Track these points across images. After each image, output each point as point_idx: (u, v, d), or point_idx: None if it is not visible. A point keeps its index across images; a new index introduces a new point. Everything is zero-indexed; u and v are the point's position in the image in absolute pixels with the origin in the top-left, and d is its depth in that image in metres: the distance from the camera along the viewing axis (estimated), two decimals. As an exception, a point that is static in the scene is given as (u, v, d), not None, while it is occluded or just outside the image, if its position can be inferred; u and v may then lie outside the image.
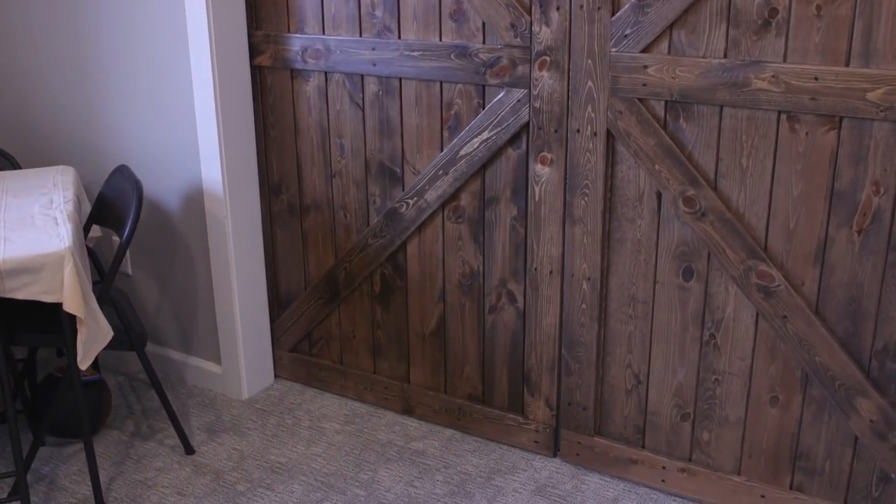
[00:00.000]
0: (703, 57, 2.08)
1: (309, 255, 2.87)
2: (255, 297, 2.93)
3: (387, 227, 2.66)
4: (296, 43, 2.63)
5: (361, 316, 2.83)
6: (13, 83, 3.13)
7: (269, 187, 2.87)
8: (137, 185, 2.44)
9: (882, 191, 1.99)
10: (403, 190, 2.61)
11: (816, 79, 1.97)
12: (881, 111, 1.92)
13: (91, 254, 2.65)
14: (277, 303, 3.00)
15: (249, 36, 2.71)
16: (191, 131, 2.75)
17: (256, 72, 2.76)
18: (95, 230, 2.76)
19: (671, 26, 2.10)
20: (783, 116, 2.05)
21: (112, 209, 2.60)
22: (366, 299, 2.81)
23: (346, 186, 2.72)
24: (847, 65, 1.95)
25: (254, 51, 2.73)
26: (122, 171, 2.61)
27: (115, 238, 2.98)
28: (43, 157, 3.16)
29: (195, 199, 2.82)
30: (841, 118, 1.99)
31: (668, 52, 2.12)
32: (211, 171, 2.73)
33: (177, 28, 2.66)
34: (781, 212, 2.11)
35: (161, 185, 2.89)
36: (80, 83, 2.96)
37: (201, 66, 2.63)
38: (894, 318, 2.05)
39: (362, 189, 2.69)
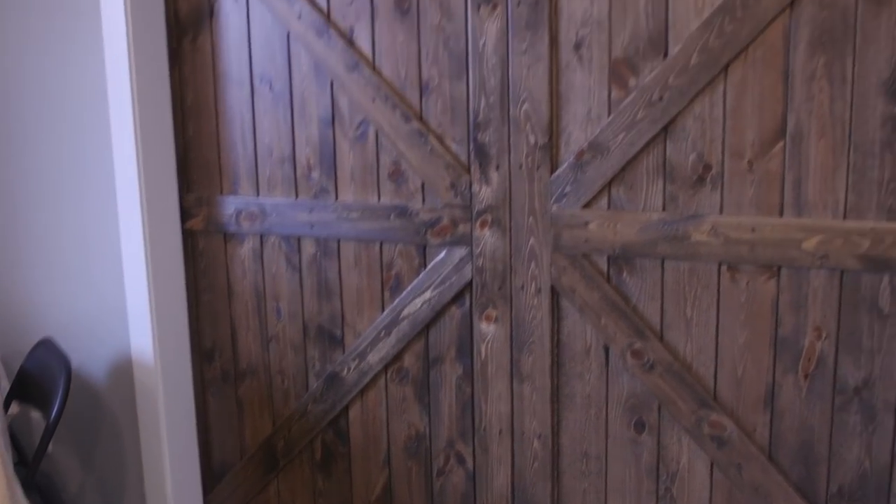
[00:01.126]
0: (643, 211, 2.13)
1: (245, 423, 2.75)
2: (188, 469, 2.78)
3: (327, 392, 2.58)
4: (229, 205, 2.60)
5: (302, 485, 2.70)
6: (-74, 255, 3.00)
7: (202, 354, 2.77)
8: (65, 362, 2.32)
9: (824, 335, 2.02)
10: (344, 353, 2.55)
11: (753, 230, 2.02)
12: (817, 259, 1.97)
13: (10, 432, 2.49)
14: (211, 474, 2.85)
15: (180, 199, 2.67)
16: (119, 299, 2.65)
17: (188, 236, 2.71)
18: (14, 407, 2.61)
19: (609, 183, 2.15)
20: (723, 267, 2.09)
21: (36, 386, 2.46)
22: (306, 467, 2.69)
23: (283, 351, 2.64)
24: (781, 215, 2.01)
25: (185, 214, 2.68)
26: (47, 345, 2.49)
27: (35, 413, 2.81)
28: (-44, 331, 3.01)
29: (123, 369, 2.70)
30: (779, 267, 2.04)
31: (608, 208, 2.16)
32: (140, 339, 2.63)
33: (105, 191, 2.60)
34: (728, 360, 2.13)
35: (86, 354, 2.76)
36: (-1, 253, 2.86)
37: (131, 232, 2.57)
38: (846, 461, 2.05)
39: (300, 353, 2.62)
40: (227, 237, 2.65)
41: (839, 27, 1.91)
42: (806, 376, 2.06)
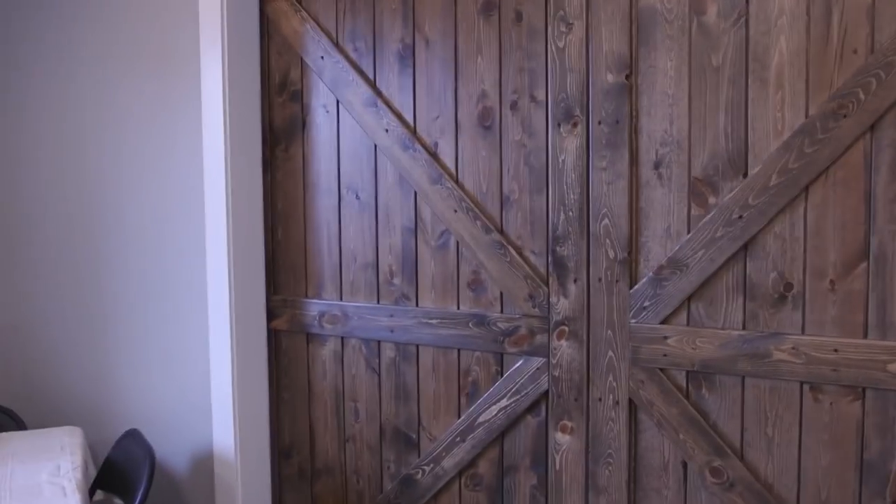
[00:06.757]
0: (723, 328, 2.12)
1: (319, 521, 2.78)
2: (262, 567, 2.80)
3: (401, 495, 2.59)
4: (313, 308, 2.68)
5: (373, 588, 2.70)
6: (19, 338, 3.14)
7: (280, 451, 2.82)
8: (150, 454, 2.39)
9: (913, 462, 1.96)
10: (419, 456, 2.56)
11: (836, 350, 1.99)
12: (904, 383, 1.93)
13: (94, 524, 2.56)
14: (284, 572, 2.87)
15: (267, 300, 2.76)
16: (204, 394, 2.73)
17: (272, 335, 2.78)
18: (99, 494, 2.68)
19: (689, 299, 2.15)
20: (806, 387, 2.05)
21: (121, 475, 2.53)
22: (378, 570, 2.69)
23: (359, 451, 2.67)
24: (865, 337, 1.98)
25: (271, 314, 2.76)
26: (134, 436, 2.57)
27: (118, 501, 2.88)
28: (48, 417, 3.11)
29: (204, 463, 2.76)
30: (864, 389, 1.99)
31: (688, 324, 2.16)
32: (223, 434, 2.69)
33: (196, 289, 2.71)
34: (811, 482, 2.07)
35: (169, 447, 2.83)
36: (90, 340, 2.97)
37: (219, 329, 2.66)
38: None
39: (376, 454, 2.64)
40: (310, 338, 2.72)
41: (923, 151, 1.91)
42: (894, 502, 1.99)
